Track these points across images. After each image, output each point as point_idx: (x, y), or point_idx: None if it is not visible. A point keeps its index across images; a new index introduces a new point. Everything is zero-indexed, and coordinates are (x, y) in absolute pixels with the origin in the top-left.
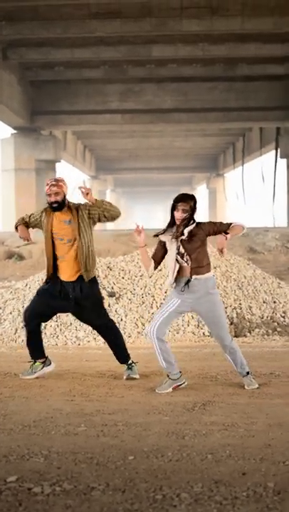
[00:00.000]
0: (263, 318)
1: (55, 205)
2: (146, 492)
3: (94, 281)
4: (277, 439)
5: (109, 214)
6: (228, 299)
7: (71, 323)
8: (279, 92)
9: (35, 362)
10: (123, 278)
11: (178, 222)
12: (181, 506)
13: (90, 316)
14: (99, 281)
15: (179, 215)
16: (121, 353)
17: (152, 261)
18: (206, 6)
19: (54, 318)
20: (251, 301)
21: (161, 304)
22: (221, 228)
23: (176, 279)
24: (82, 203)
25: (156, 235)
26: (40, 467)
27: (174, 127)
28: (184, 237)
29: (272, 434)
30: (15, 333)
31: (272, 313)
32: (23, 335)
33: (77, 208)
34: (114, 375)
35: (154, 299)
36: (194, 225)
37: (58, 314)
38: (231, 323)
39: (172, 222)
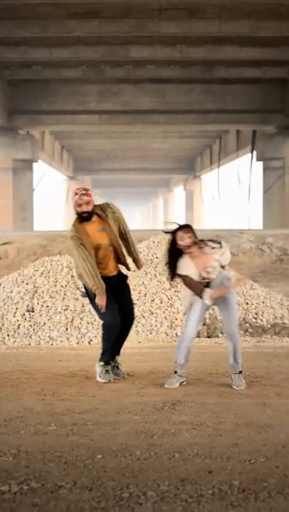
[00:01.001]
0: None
1: (85, 214)
2: (113, 490)
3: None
4: (244, 438)
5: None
6: None
7: (44, 323)
8: (256, 95)
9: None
10: None
11: (187, 249)
12: (147, 504)
13: (128, 304)
14: (73, 282)
15: (186, 241)
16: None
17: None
18: (184, 8)
19: (27, 317)
20: None
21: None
22: None
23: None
24: (107, 203)
25: (178, 275)
26: (8, 466)
27: (152, 129)
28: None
29: (239, 433)
30: None
31: (245, 314)
32: None
33: (102, 209)
34: (86, 374)
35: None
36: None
37: (32, 314)
38: (204, 324)
39: (175, 254)
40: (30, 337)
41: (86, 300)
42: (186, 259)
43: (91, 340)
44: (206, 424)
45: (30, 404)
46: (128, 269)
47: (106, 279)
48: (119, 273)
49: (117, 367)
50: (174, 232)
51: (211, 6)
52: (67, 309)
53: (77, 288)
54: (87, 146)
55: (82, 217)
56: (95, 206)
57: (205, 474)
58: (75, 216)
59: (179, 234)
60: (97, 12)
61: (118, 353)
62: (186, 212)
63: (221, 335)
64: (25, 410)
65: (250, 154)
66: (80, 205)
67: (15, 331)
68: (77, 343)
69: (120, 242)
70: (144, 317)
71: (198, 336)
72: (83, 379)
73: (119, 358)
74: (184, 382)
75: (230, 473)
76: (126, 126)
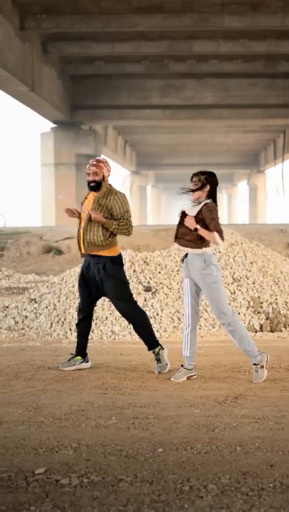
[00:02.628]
0: None
1: (92, 184)
2: (174, 483)
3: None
4: None
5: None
6: (264, 294)
7: (107, 318)
8: None
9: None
10: (160, 273)
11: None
12: (207, 497)
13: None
14: (135, 276)
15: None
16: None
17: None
18: (247, 2)
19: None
20: (287, 297)
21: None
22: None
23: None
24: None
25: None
26: (68, 459)
27: (215, 123)
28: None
29: None
30: (50, 327)
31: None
32: (58, 329)
33: (108, 192)
34: (147, 368)
35: None
36: (203, 203)
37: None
38: (267, 318)
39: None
40: (92, 331)
41: (148, 294)
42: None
43: None
44: (267, 418)
45: (91, 398)
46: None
47: (88, 256)
48: (102, 256)
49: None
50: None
51: (274, 0)
52: None
53: (140, 282)
54: (150, 140)
55: (90, 187)
56: (110, 186)
57: (266, 468)
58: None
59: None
60: (159, 6)
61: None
62: (249, 206)
63: (284, 329)
64: (86, 404)
65: None
66: (88, 174)
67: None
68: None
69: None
70: (206, 311)
71: (262, 330)
72: (144, 373)
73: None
74: (194, 376)
75: None
76: (189, 121)
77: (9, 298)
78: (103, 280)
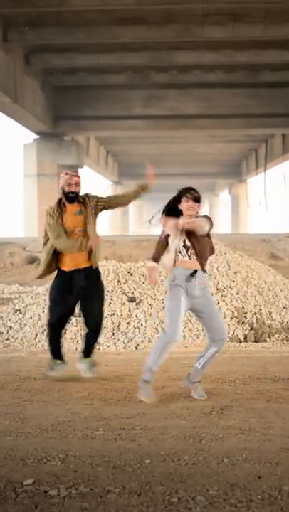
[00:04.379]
0: (283, 323)
1: (72, 195)
2: (162, 495)
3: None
4: None
5: (117, 202)
6: (249, 305)
7: None
8: None
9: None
10: (144, 283)
11: (188, 212)
12: (196, 509)
13: (94, 306)
14: (119, 287)
15: (190, 204)
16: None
17: (154, 262)
18: (228, 13)
19: (74, 322)
20: (271, 307)
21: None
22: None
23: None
24: (87, 193)
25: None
26: (56, 470)
27: (197, 133)
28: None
29: (288, 439)
30: (35, 338)
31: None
32: (43, 340)
33: (84, 198)
34: (133, 379)
35: None
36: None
37: (78, 319)
38: (251, 329)
39: (172, 213)
40: (77, 342)
41: (132, 305)
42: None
43: (138, 345)
44: (254, 429)
45: (78, 408)
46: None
47: (72, 272)
48: (91, 268)
49: (93, 365)
50: (182, 193)
51: (255, 10)
52: (113, 314)
53: (124, 293)
54: (132, 151)
55: (68, 198)
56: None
57: (254, 479)
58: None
59: (190, 202)
60: (141, 18)
61: (88, 356)
62: (231, 216)
63: (268, 339)
64: (73, 415)
65: None
66: (69, 185)
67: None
68: (124, 347)
69: (94, 229)
70: (190, 322)
71: (246, 340)
72: (130, 383)
73: (91, 358)
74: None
75: (279, 478)
76: (171, 131)
77: None
78: (85, 287)
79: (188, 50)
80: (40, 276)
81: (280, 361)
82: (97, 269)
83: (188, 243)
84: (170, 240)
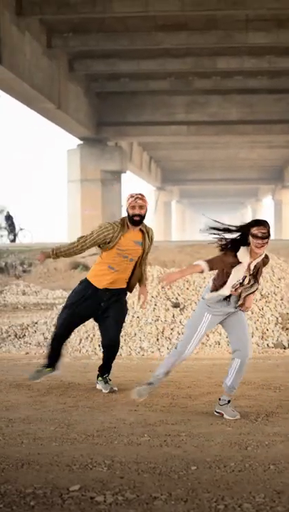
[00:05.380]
0: None
1: (137, 218)
2: (209, 502)
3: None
4: None
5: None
6: None
7: (135, 334)
8: None
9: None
10: (188, 289)
11: (257, 250)
12: None
13: (114, 327)
14: (164, 292)
15: (260, 242)
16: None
17: (205, 266)
18: (272, 19)
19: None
20: None
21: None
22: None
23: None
24: (151, 231)
25: (231, 250)
26: (102, 476)
27: (240, 139)
28: (251, 272)
29: None
30: (79, 344)
31: None
32: (87, 345)
33: (148, 231)
34: (177, 385)
35: None
36: (264, 255)
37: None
38: None
39: (242, 243)
40: (121, 348)
41: (176, 310)
42: (247, 250)
43: None
44: None
45: (123, 414)
46: (130, 291)
47: (106, 290)
48: (122, 289)
49: (107, 381)
50: (252, 226)
51: None
52: (157, 320)
53: (168, 298)
54: (174, 156)
55: (133, 221)
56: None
57: None
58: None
59: (260, 240)
60: (184, 24)
61: (107, 372)
62: (274, 222)
63: None
64: (118, 421)
65: None
66: (133, 207)
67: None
68: (169, 353)
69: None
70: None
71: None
72: (175, 389)
73: (107, 376)
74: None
75: None
76: (213, 136)
77: (38, 313)
78: (110, 305)
79: (231, 56)
80: (46, 257)
81: None
82: (126, 292)
83: (246, 283)
84: (235, 270)
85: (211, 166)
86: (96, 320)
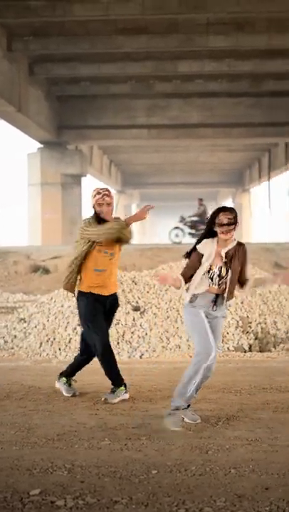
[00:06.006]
0: (288, 333)
1: (103, 215)
2: (169, 506)
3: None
4: None
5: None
6: (253, 314)
7: None
8: None
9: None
10: (148, 292)
11: (223, 236)
12: None
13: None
14: (124, 296)
15: (225, 228)
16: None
17: (182, 278)
18: (231, 23)
19: (79, 332)
20: (276, 316)
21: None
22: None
23: (197, 295)
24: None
25: (194, 250)
26: (63, 480)
27: (200, 142)
28: (223, 255)
29: None
30: (39, 347)
31: None
32: (47, 348)
33: (116, 220)
34: (138, 389)
35: (179, 313)
36: (236, 243)
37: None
38: (256, 338)
39: (209, 234)
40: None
41: (137, 314)
42: (213, 240)
43: (142, 355)
44: (261, 440)
45: (84, 418)
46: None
47: (103, 298)
48: (115, 294)
49: (70, 384)
50: (217, 213)
51: (259, 20)
52: (118, 323)
53: (128, 302)
54: (135, 160)
55: (100, 218)
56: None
57: (262, 491)
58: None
59: (220, 215)
60: (144, 28)
61: (73, 375)
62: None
63: (273, 349)
64: (79, 425)
65: None
66: (100, 205)
67: (66, 345)
68: (129, 357)
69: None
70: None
71: (251, 350)
72: (135, 393)
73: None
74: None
75: (287, 489)
76: (174, 140)
77: None
78: (108, 314)
79: (192, 59)
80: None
81: (286, 371)
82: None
83: (223, 273)
84: (203, 261)
85: (171, 170)
86: None
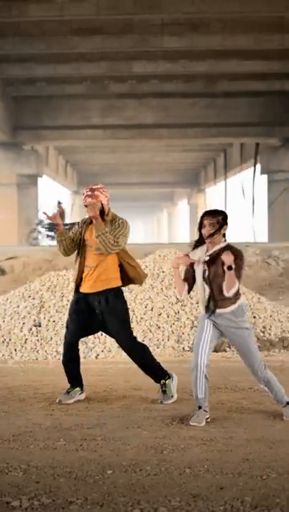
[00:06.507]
0: None
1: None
2: (124, 506)
3: (120, 292)
4: (255, 453)
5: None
6: None
7: (51, 338)
8: (260, 108)
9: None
10: None
11: (206, 239)
12: None
13: (116, 336)
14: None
15: (205, 230)
16: (151, 375)
17: (186, 284)
18: (186, 23)
19: (34, 332)
20: None
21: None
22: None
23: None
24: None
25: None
26: (18, 481)
27: (155, 142)
28: (206, 259)
29: (250, 449)
30: None
31: (252, 328)
32: (3, 349)
33: (112, 220)
34: (94, 389)
35: (134, 314)
36: (224, 245)
37: (39, 329)
38: None
39: (200, 241)
40: (37, 352)
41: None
42: (202, 248)
43: (98, 355)
44: (216, 440)
45: (39, 419)
46: (135, 282)
47: (91, 297)
48: (110, 290)
49: (164, 391)
50: (201, 217)
51: (213, 20)
52: None
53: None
54: (91, 160)
55: (90, 220)
56: (115, 215)
57: (216, 490)
58: None
59: (203, 219)
60: (99, 28)
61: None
62: (190, 225)
63: (228, 349)
64: (34, 425)
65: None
66: (86, 206)
67: (22, 346)
68: (84, 357)
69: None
70: (150, 331)
71: None
72: (91, 393)
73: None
74: (208, 419)
75: (241, 489)
76: (129, 140)
77: None
78: (104, 314)
79: (146, 60)
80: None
81: (241, 371)
82: (118, 291)
83: (207, 276)
84: (195, 266)
85: (127, 170)
86: (103, 331)
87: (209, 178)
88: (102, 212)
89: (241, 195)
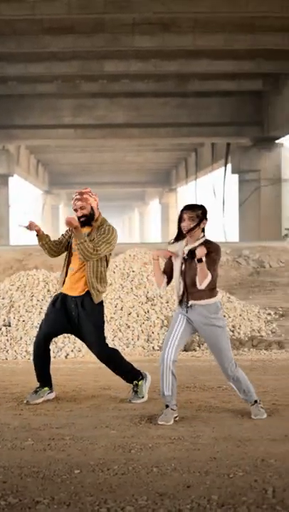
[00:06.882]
0: None
1: (82, 219)
2: (91, 505)
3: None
4: (222, 452)
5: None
6: None
7: (21, 338)
8: (231, 108)
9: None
10: None
11: (185, 233)
12: None
13: (90, 339)
14: (49, 296)
15: (185, 224)
16: (123, 377)
17: (165, 276)
18: (157, 23)
19: (4, 332)
20: None
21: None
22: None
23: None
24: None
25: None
26: None
27: (126, 142)
28: (185, 254)
29: (217, 447)
30: None
31: (226, 326)
32: None
33: (100, 226)
34: (63, 389)
35: (104, 313)
36: (202, 241)
37: (8, 328)
38: None
39: (180, 235)
40: (6, 351)
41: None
42: (181, 242)
43: (68, 355)
44: (183, 439)
45: (7, 419)
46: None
47: (70, 299)
48: (85, 296)
49: (135, 391)
50: (180, 212)
51: (185, 20)
52: None
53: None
54: (62, 160)
55: (82, 222)
56: (105, 220)
57: (183, 489)
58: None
59: (182, 214)
60: (70, 27)
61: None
62: (161, 225)
63: (198, 348)
64: (2, 425)
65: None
66: (75, 210)
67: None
68: (54, 357)
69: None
70: (120, 331)
71: None
72: (60, 393)
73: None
74: (177, 418)
75: (208, 487)
76: (100, 140)
77: None
78: (80, 318)
79: (118, 59)
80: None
81: (210, 370)
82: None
83: (183, 269)
84: (173, 260)
85: (98, 170)
86: (76, 335)
87: (181, 178)
88: (92, 217)
89: (212, 194)
